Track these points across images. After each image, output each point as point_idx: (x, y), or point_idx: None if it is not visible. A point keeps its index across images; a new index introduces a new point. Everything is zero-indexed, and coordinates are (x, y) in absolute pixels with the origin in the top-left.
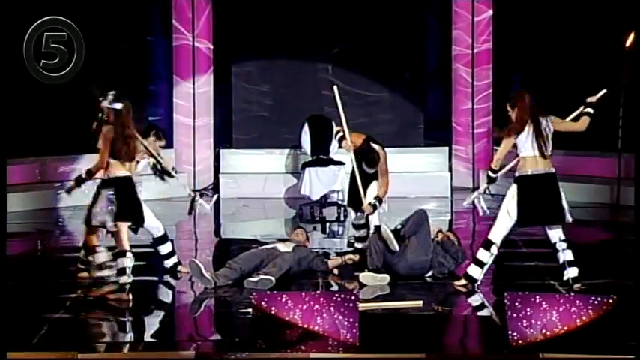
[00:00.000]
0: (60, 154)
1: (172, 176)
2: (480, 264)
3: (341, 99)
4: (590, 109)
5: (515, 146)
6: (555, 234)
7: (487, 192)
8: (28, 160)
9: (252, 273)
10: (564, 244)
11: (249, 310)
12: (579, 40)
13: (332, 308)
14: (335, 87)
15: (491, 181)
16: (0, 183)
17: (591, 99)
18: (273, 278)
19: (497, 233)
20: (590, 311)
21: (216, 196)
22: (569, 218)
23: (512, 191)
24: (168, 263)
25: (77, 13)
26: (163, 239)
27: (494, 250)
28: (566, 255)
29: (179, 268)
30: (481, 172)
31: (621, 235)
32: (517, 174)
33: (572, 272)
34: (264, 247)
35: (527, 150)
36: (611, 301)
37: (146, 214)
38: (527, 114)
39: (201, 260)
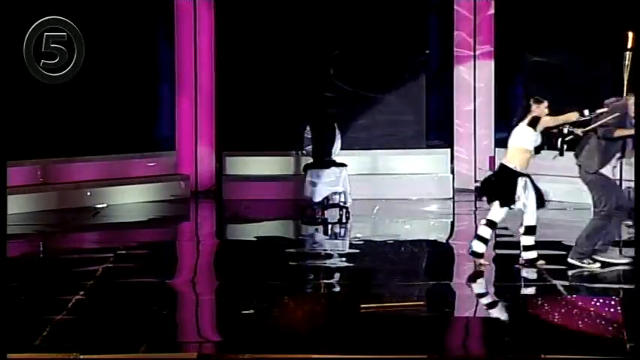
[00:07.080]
0: (61, 156)
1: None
2: None
3: None
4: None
5: None
6: None
7: None
8: (29, 162)
9: None
10: None
11: (251, 310)
12: (581, 40)
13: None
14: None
15: None
16: (0, 184)
17: None
18: None
19: None
20: (592, 313)
21: None
22: None
23: None
24: (527, 255)
25: (82, 16)
26: (532, 230)
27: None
28: None
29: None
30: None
31: None
32: None
33: None
34: None
35: None
36: (614, 302)
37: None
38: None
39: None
